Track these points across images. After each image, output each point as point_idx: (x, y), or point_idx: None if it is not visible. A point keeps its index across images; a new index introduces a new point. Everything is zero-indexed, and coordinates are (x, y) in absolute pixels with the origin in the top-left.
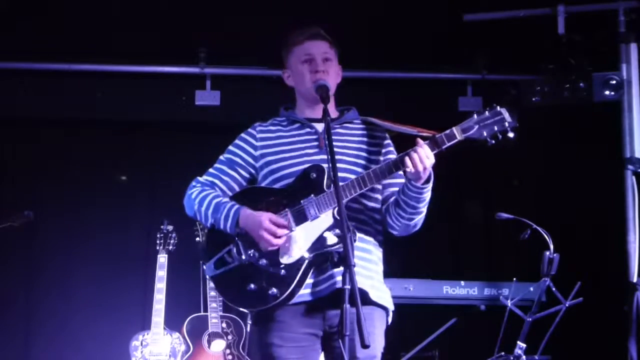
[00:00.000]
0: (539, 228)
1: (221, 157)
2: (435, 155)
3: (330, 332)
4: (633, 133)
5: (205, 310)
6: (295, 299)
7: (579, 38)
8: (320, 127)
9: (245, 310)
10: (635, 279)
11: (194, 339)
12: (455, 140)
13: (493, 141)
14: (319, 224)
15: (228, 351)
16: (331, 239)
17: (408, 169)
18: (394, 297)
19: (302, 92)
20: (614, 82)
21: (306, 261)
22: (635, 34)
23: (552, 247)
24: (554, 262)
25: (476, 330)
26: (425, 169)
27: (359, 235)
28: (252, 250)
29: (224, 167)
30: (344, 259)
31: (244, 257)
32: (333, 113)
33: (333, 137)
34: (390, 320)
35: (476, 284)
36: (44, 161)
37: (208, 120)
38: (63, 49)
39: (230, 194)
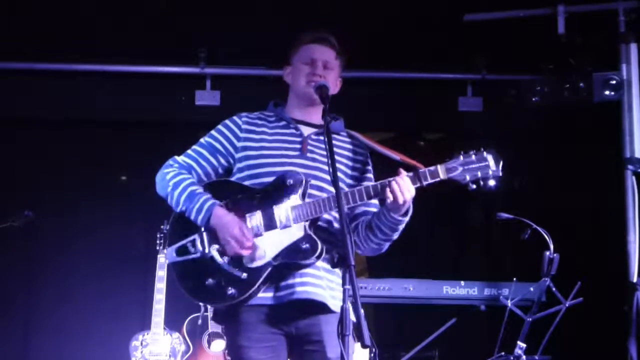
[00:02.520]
0: (539, 228)
1: (202, 141)
2: (416, 190)
3: (297, 335)
4: (633, 133)
5: (206, 310)
6: (254, 301)
7: (579, 38)
8: (306, 130)
9: (200, 304)
10: (635, 279)
11: (194, 339)
12: (438, 179)
13: (474, 186)
14: (289, 233)
15: (228, 351)
16: (298, 250)
17: (388, 200)
18: (394, 297)
19: (296, 92)
20: (614, 82)
21: (270, 268)
22: (635, 34)
23: (552, 247)
24: (554, 262)
25: (476, 330)
26: (405, 201)
27: (327, 247)
28: (217, 246)
29: (204, 152)
30: (344, 259)
31: (206, 250)
32: (320, 120)
33: (317, 145)
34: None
35: (476, 284)
36: (44, 161)
37: (208, 120)
38: (63, 49)
39: (205, 180)
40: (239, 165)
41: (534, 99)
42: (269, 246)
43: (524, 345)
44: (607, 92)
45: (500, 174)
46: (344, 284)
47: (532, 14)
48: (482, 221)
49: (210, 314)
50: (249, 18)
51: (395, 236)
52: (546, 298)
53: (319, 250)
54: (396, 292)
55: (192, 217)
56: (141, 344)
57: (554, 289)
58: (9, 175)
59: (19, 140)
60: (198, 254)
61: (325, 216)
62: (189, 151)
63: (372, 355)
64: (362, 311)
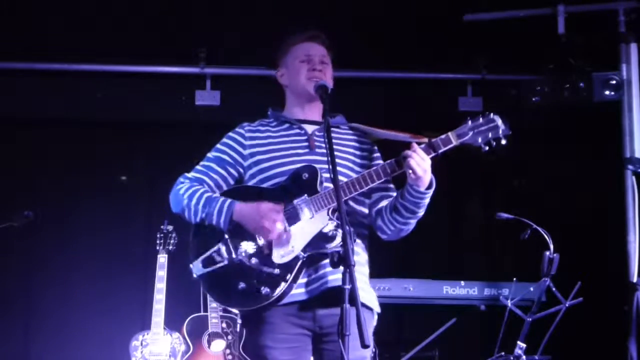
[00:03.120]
0: (539, 228)
1: (209, 155)
2: (432, 160)
3: (319, 333)
4: (633, 133)
5: (205, 310)
6: (287, 299)
7: (579, 38)
8: (309, 128)
9: (235, 310)
10: (635, 279)
11: (194, 339)
12: (451, 145)
13: (487, 148)
14: (313, 224)
15: (228, 351)
16: (325, 238)
17: (409, 172)
18: (394, 297)
19: (296, 90)
20: (614, 82)
21: (300, 261)
22: (635, 34)
23: (552, 247)
24: (554, 262)
25: (476, 330)
26: (425, 171)
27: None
28: (243, 249)
29: (213, 165)
30: (344, 259)
31: (234, 255)
32: (321, 117)
33: (323, 140)
34: (375, 322)
35: (476, 284)
36: (44, 161)
37: (208, 120)
38: (63, 48)
39: (217, 192)
40: (250, 172)
41: (534, 99)
42: (296, 239)
43: (524, 345)
44: (607, 92)
45: (510, 132)
46: (344, 283)
47: (532, 14)
48: (482, 221)
49: (211, 313)
50: (249, 18)
51: (422, 212)
52: (546, 298)
53: (351, 232)
54: (396, 292)
55: (214, 220)
56: (141, 344)
57: (554, 289)
58: (9, 175)
59: (19, 140)
60: (225, 261)
61: (346, 202)
62: (197, 167)
63: (372, 355)
64: (362, 311)
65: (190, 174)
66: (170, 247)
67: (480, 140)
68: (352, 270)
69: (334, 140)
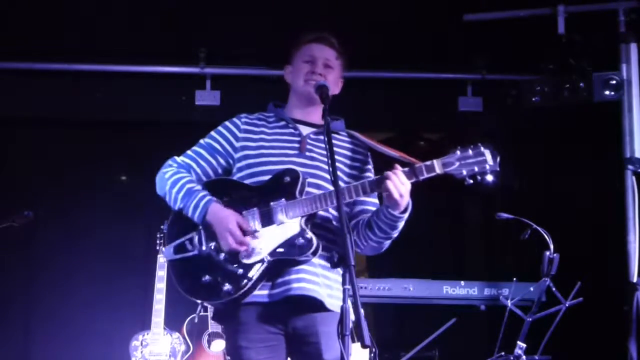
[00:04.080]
0: (539, 228)
1: (201, 141)
2: (412, 185)
3: (294, 334)
4: (633, 133)
5: (205, 310)
6: (250, 299)
7: (579, 38)
8: (305, 130)
9: (197, 302)
10: (635, 279)
11: (194, 339)
12: (434, 174)
13: (471, 181)
14: (285, 230)
15: (227, 351)
16: (294, 246)
17: (385, 193)
18: (394, 297)
19: (296, 90)
20: (614, 82)
21: (265, 264)
22: (635, 34)
23: (552, 247)
24: (554, 262)
25: (476, 330)
26: (401, 195)
27: (322, 244)
28: (213, 243)
29: (203, 152)
30: (344, 259)
31: (204, 247)
32: (319, 120)
33: (316, 144)
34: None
35: (476, 284)
36: (44, 161)
37: (208, 120)
38: (63, 48)
39: (204, 179)
40: (238, 165)
41: (534, 99)
42: (265, 242)
43: (524, 345)
44: (607, 92)
45: (498, 168)
46: (344, 283)
47: (532, 14)
48: (482, 221)
49: (210, 313)
50: (249, 18)
51: (395, 234)
52: (546, 298)
53: (314, 246)
54: (396, 292)
55: (189, 213)
56: (141, 344)
57: (554, 289)
58: (9, 175)
59: (19, 140)
60: (195, 251)
61: (324, 214)
62: (188, 152)
63: (372, 355)
64: (362, 311)
65: (180, 158)
66: None
67: (465, 172)
68: (351, 270)
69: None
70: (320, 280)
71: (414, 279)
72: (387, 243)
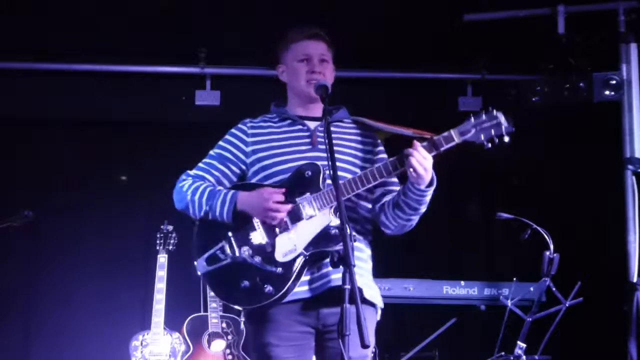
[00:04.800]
0: (539, 228)
1: (211, 152)
2: (433, 157)
3: (323, 331)
4: (633, 133)
5: (205, 310)
6: (290, 297)
7: (579, 38)
8: (312, 124)
9: (238, 308)
10: (635, 279)
11: (194, 339)
12: (453, 143)
13: (489, 145)
14: (316, 222)
15: (228, 351)
16: (328, 237)
17: (410, 170)
18: (394, 297)
19: (296, 90)
20: (614, 82)
21: (302, 259)
22: (635, 34)
23: (552, 247)
24: (554, 262)
25: (476, 330)
26: (425, 170)
27: (356, 228)
28: (246, 248)
29: (214, 162)
30: (344, 259)
31: (237, 253)
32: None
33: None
34: (379, 317)
35: (476, 284)
36: (44, 161)
37: (208, 120)
38: (64, 49)
39: (219, 189)
40: (252, 169)
41: (534, 99)
42: (299, 238)
43: (524, 345)
44: (607, 92)
45: (513, 129)
46: (344, 283)
47: (532, 14)
48: (482, 221)
49: (211, 313)
50: (249, 18)
51: (424, 208)
52: (546, 298)
53: (350, 232)
54: (396, 292)
55: (217, 211)
56: (141, 344)
57: (554, 289)
58: (9, 175)
59: (19, 140)
60: (229, 260)
61: (349, 203)
62: (199, 164)
63: (372, 355)
64: (362, 311)
65: (193, 171)
66: (170, 247)
67: (482, 137)
68: (352, 270)
69: (336, 136)
70: (359, 271)
71: (414, 279)
72: (416, 219)
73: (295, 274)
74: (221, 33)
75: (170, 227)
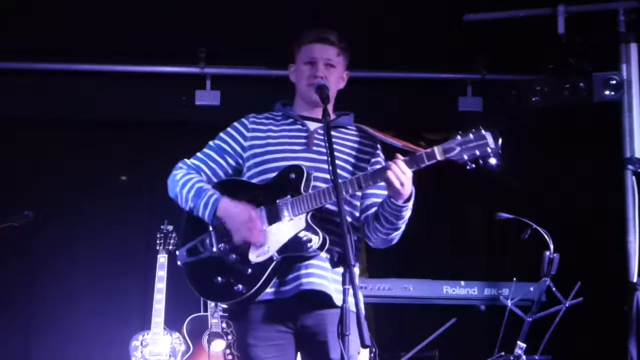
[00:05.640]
0: (539, 228)
1: (211, 143)
2: (414, 173)
3: (303, 332)
4: (633, 133)
5: (205, 310)
6: (261, 297)
7: (579, 38)
8: (312, 125)
9: (211, 303)
10: (635, 279)
11: (194, 339)
12: (435, 161)
13: (473, 165)
14: (290, 227)
15: (228, 351)
16: (299, 243)
17: (386, 185)
18: (394, 297)
19: (299, 92)
20: (614, 82)
21: (274, 262)
22: (635, 34)
23: (552, 247)
24: (554, 262)
25: (476, 330)
26: (402, 184)
27: (330, 239)
28: (224, 244)
29: (212, 153)
30: (344, 259)
31: (214, 248)
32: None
33: (323, 139)
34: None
35: (476, 284)
36: (44, 161)
37: (208, 120)
38: (63, 49)
39: (215, 180)
40: (247, 164)
41: (534, 99)
42: (273, 240)
43: (524, 345)
44: (607, 92)
45: (500, 151)
46: (344, 283)
47: (532, 14)
48: (482, 221)
49: (210, 312)
50: (249, 18)
51: (402, 225)
52: (546, 298)
53: (321, 241)
54: (396, 292)
55: (200, 212)
56: (141, 344)
57: (554, 289)
58: (9, 175)
59: (19, 140)
60: (207, 253)
61: (331, 208)
62: (198, 154)
63: (372, 355)
64: (362, 311)
65: (190, 161)
66: (170, 247)
67: (466, 157)
68: (352, 270)
69: (334, 140)
70: (329, 275)
71: (414, 279)
72: (396, 234)
73: (266, 275)
74: (221, 33)
75: (170, 227)
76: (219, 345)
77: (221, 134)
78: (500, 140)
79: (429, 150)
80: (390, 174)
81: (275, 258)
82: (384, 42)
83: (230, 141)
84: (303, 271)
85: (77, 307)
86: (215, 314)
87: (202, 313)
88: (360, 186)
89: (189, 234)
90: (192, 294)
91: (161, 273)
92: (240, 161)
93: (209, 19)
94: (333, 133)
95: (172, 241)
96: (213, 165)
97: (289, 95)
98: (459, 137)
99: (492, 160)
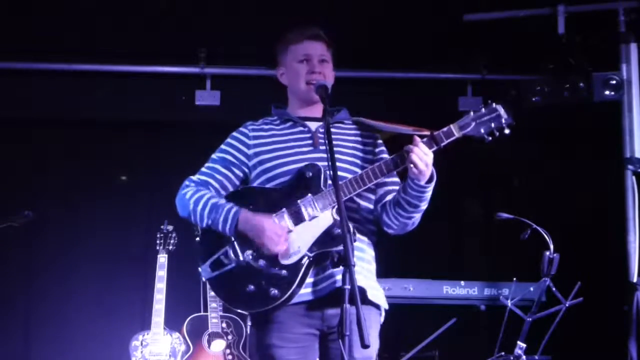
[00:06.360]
0: (539, 228)
1: (213, 156)
2: (434, 153)
3: (327, 332)
4: (633, 133)
5: (205, 310)
6: (295, 299)
7: (579, 38)
8: (313, 125)
9: (244, 312)
10: (635, 279)
11: (194, 339)
12: (454, 138)
13: (490, 138)
14: (318, 223)
15: (228, 351)
16: (331, 238)
17: (410, 166)
18: (394, 297)
19: (296, 91)
20: (614, 82)
21: (307, 261)
22: (635, 34)
23: (552, 247)
24: (554, 262)
25: (476, 330)
26: (426, 165)
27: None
28: (250, 251)
29: (218, 166)
30: (344, 259)
31: (241, 258)
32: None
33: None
34: (382, 319)
35: (476, 284)
36: (44, 161)
37: (208, 120)
38: (63, 48)
39: (223, 193)
40: (255, 171)
41: (534, 99)
42: (302, 240)
43: (524, 345)
44: (607, 92)
45: (513, 121)
46: (344, 283)
47: (532, 14)
48: (482, 221)
49: (211, 313)
50: (249, 18)
51: (424, 205)
52: (546, 298)
53: (350, 232)
54: (396, 292)
55: (220, 228)
56: (141, 344)
57: (554, 289)
58: (9, 175)
59: (19, 140)
60: (233, 264)
61: (350, 204)
62: (202, 169)
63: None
64: (362, 311)
65: (196, 177)
66: (170, 247)
67: (482, 131)
68: (352, 270)
69: (336, 137)
70: (359, 271)
71: (414, 279)
72: (418, 217)
73: (300, 276)
74: (221, 33)
75: (170, 227)
76: (219, 345)
77: (222, 146)
78: (511, 110)
79: (445, 129)
80: (414, 156)
81: (307, 257)
82: (384, 42)
83: (234, 151)
84: (337, 268)
85: (77, 307)
86: (215, 314)
87: (202, 313)
88: (387, 171)
89: (209, 247)
90: (192, 294)
91: (161, 273)
92: (247, 170)
93: (209, 19)
94: (333, 130)
95: (172, 241)
96: (220, 178)
97: (287, 95)
98: (472, 112)
99: (506, 131)
